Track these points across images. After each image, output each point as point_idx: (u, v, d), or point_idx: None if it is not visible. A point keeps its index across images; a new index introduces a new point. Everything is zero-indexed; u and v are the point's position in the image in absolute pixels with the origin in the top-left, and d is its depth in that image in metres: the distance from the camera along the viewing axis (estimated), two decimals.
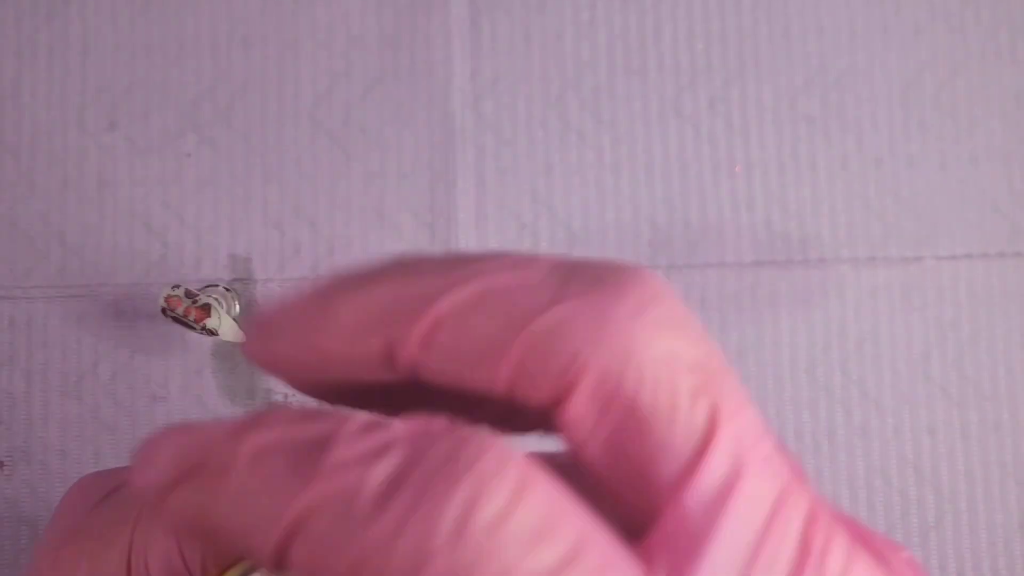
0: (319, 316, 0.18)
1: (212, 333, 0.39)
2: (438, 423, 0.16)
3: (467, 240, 0.44)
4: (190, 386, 0.42)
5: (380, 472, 0.15)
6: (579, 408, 0.16)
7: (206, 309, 0.39)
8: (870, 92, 0.45)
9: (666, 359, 0.16)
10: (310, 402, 0.20)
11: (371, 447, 0.16)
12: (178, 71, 0.45)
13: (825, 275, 0.44)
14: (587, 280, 0.16)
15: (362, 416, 0.16)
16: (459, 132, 0.45)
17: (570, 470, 0.17)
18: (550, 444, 0.18)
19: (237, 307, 0.43)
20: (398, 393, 0.18)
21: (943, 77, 0.45)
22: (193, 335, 0.40)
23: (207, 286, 0.42)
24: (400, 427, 0.16)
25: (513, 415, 0.17)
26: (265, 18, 0.45)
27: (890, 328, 0.44)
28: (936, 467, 0.43)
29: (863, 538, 0.17)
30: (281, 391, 0.43)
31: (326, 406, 0.19)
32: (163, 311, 0.40)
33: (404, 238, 0.44)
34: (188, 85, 0.45)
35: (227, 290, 0.42)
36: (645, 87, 0.45)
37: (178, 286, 0.40)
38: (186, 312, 0.39)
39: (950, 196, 0.45)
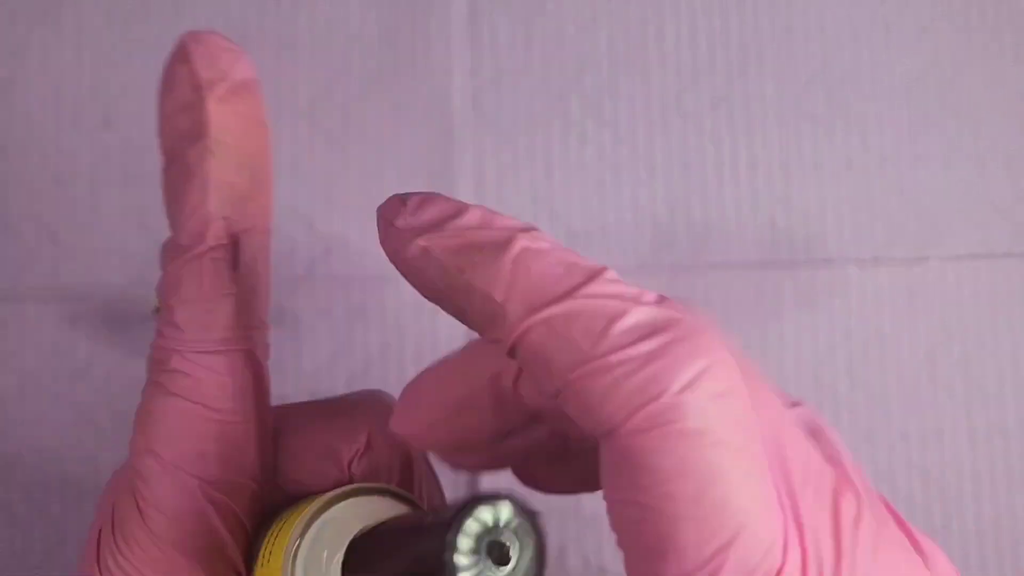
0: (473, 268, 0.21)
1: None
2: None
3: None
4: None
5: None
6: None
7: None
8: (874, 91, 0.45)
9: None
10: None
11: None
12: None
13: (830, 275, 0.44)
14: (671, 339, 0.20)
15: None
16: (458, 131, 0.44)
17: None
18: None
19: None
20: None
21: (948, 76, 0.45)
22: None
23: None
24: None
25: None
26: (262, 16, 0.45)
27: (894, 329, 0.43)
28: (942, 471, 0.43)
29: (903, 526, 0.20)
30: (277, 393, 0.42)
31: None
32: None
33: None
34: None
35: None
36: (647, 86, 0.45)
37: None
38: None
39: (955, 196, 0.44)
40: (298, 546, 0.24)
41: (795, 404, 0.24)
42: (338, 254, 0.43)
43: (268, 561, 0.25)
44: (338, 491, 0.25)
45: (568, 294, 0.20)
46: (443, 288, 0.21)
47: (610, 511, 0.20)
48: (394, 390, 0.42)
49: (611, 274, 0.21)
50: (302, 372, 0.42)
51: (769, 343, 0.43)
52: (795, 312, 0.43)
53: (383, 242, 0.22)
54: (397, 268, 0.22)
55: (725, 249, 0.44)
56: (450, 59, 0.45)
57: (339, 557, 0.24)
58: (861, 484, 0.22)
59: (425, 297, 0.22)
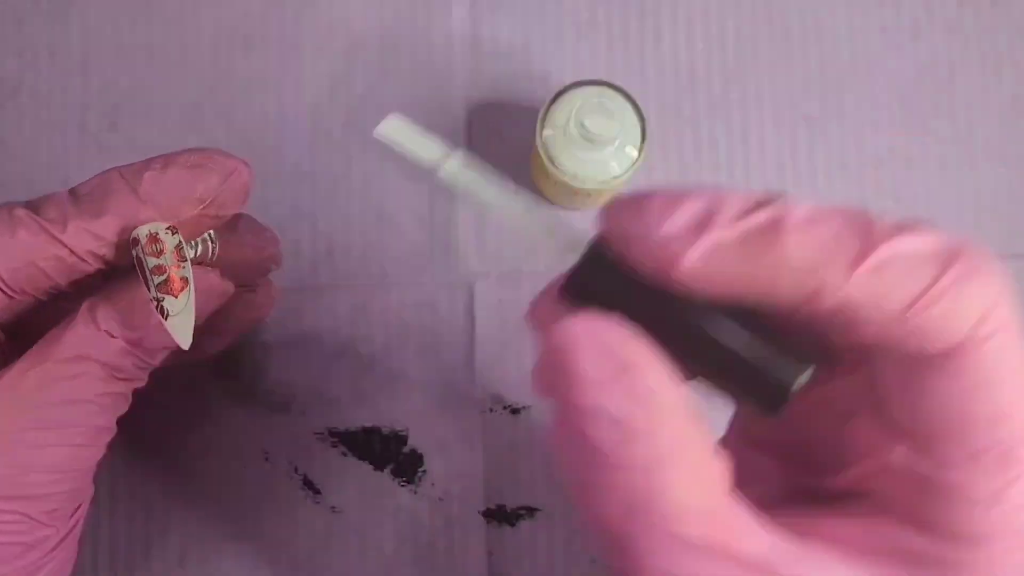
0: (770, 248, 0.21)
1: (162, 313, 0.29)
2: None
3: (467, 240, 0.44)
4: (188, 386, 0.42)
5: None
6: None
7: (182, 284, 0.29)
8: (870, 93, 0.45)
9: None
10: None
11: (897, 224, 0.21)
12: (179, 72, 0.45)
13: None
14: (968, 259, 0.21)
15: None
16: (459, 133, 0.45)
17: None
18: None
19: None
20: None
21: (942, 78, 0.46)
22: None
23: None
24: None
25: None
26: (266, 19, 0.45)
27: None
28: None
29: None
30: (281, 393, 0.43)
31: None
32: (133, 242, 0.29)
33: (404, 239, 0.44)
34: (189, 86, 0.45)
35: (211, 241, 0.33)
36: (645, 89, 0.45)
37: (175, 232, 0.30)
38: (157, 269, 0.29)
39: (949, 197, 0.45)
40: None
41: None
42: (340, 255, 0.44)
43: None
44: None
45: (868, 245, 0.21)
46: (737, 284, 0.21)
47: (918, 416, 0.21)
48: (397, 389, 0.43)
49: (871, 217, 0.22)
50: (306, 371, 0.43)
51: None
52: None
53: (641, 259, 0.21)
54: (668, 280, 0.21)
55: None
56: (451, 62, 0.45)
57: None
58: None
59: (713, 301, 0.21)
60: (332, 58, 0.45)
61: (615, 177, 0.40)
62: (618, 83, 0.44)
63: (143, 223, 0.30)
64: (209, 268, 0.32)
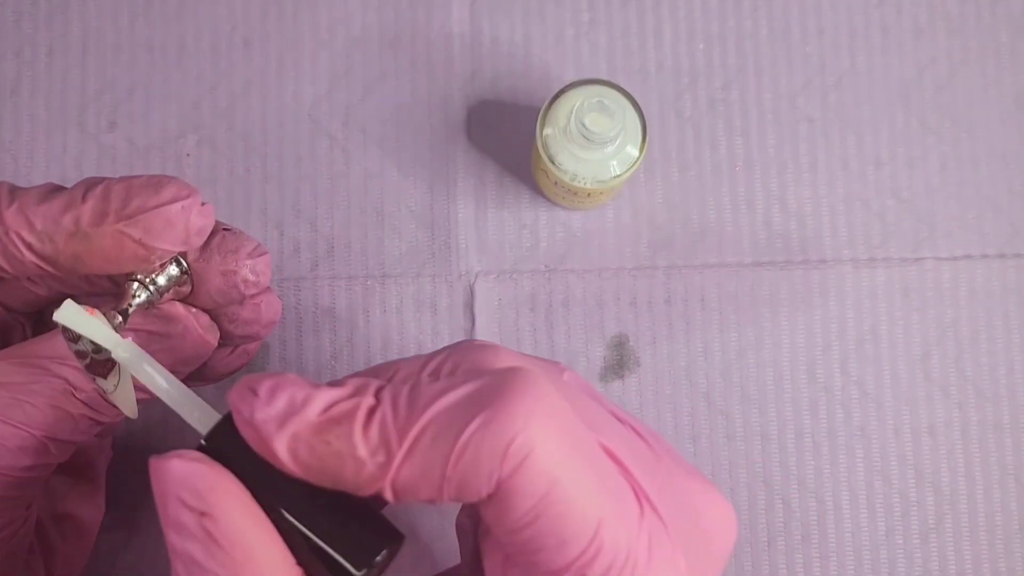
0: (333, 441, 0.23)
1: (101, 391, 0.29)
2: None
3: (467, 239, 0.44)
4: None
5: (466, 389, 0.23)
6: (491, 511, 0.23)
7: (107, 367, 0.28)
8: (870, 92, 0.45)
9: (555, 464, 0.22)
10: None
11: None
12: (178, 71, 0.45)
13: (825, 275, 0.44)
14: (487, 396, 0.23)
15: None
16: (459, 132, 0.45)
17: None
18: None
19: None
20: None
21: (943, 78, 0.46)
22: None
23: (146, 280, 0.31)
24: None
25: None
26: (266, 18, 0.45)
27: (890, 328, 0.44)
28: (937, 468, 0.43)
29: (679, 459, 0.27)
30: None
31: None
32: (64, 331, 0.28)
33: (404, 238, 0.44)
34: (188, 85, 0.45)
35: (182, 272, 0.31)
36: (645, 88, 0.45)
37: (91, 315, 0.27)
38: (79, 354, 0.28)
39: (950, 197, 0.45)
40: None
41: (561, 370, 0.27)
42: (340, 253, 0.44)
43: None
44: None
45: (408, 423, 0.23)
46: (316, 470, 0.23)
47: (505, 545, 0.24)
48: None
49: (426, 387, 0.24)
50: (305, 370, 0.43)
51: (765, 342, 0.43)
52: (791, 311, 0.44)
53: (247, 438, 0.24)
54: (268, 457, 0.23)
55: (722, 249, 0.44)
56: (451, 61, 0.45)
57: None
58: (643, 429, 0.26)
59: (299, 475, 0.24)
60: (332, 57, 0.45)
61: (615, 176, 0.40)
62: (618, 82, 0.44)
63: (80, 223, 0.29)
64: (185, 327, 0.31)
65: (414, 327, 0.43)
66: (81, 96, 0.45)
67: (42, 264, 0.30)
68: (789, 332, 0.44)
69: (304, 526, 0.24)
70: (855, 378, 0.43)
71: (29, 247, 0.29)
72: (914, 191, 0.45)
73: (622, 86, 0.40)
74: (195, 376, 0.33)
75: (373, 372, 0.25)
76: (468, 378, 0.23)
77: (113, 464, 0.39)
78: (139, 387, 0.28)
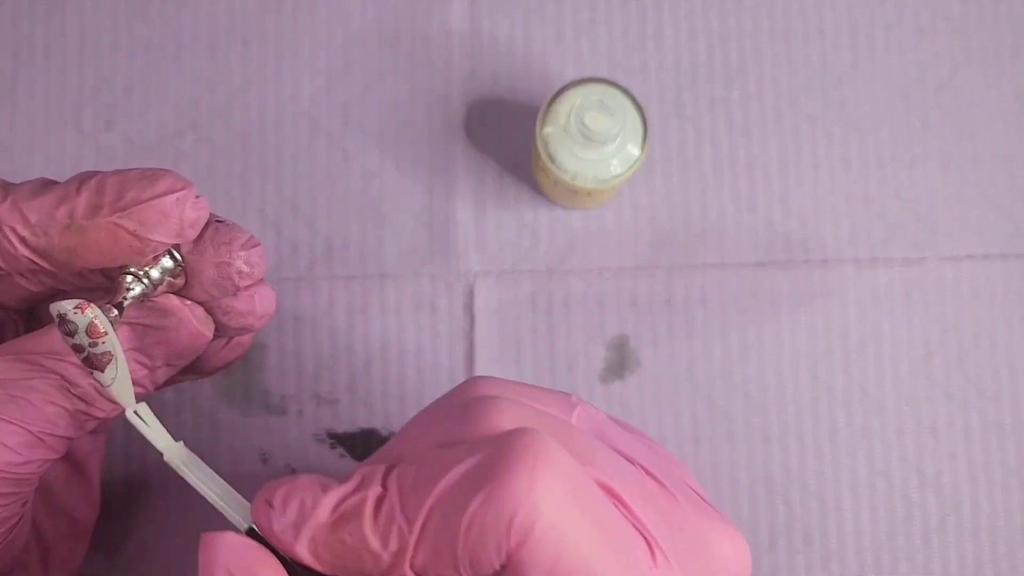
0: (348, 536, 0.24)
1: (95, 385, 0.29)
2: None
3: (467, 239, 0.44)
4: (184, 389, 0.42)
5: (469, 463, 0.23)
6: None
7: (104, 359, 0.28)
8: (872, 92, 0.45)
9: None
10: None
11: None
12: (176, 70, 0.45)
13: (827, 275, 0.44)
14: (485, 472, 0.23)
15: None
16: (458, 131, 0.44)
17: None
18: None
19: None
20: None
21: (945, 77, 0.45)
22: None
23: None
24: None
25: None
26: (264, 17, 0.45)
27: (892, 329, 0.44)
28: (939, 469, 0.43)
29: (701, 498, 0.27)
30: (279, 394, 0.43)
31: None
32: (61, 319, 0.28)
33: (403, 238, 0.44)
34: (186, 84, 0.45)
35: (176, 264, 0.31)
36: (646, 87, 0.45)
37: (82, 311, 0.28)
38: (76, 348, 0.28)
39: (952, 196, 0.45)
40: None
41: (572, 404, 0.27)
42: (339, 253, 0.44)
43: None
44: None
45: (417, 510, 0.23)
46: (340, 562, 0.24)
47: None
48: (394, 389, 0.42)
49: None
50: (303, 371, 0.42)
51: (766, 342, 0.43)
52: (792, 311, 0.44)
53: (274, 545, 0.25)
54: (296, 561, 0.25)
55: (723, 249, 0.44)
56: (450, 59, 0.45)
57: None
58: (656, 463, 0.27)
59: (329, 573, 0.25)
60: (330, 55, 0.45)
61: (616, 176, 0.40)
62: (619, 80, 0.44)
63: (73, 215, 0.29)
64: (181, 317, 0.31)
65: (413, 327, 0.43)
66: (79, 95, 0.44)
67: (36, 259, 0.30)
68: (790, 332, 0.43)
69: None
70: (857, 379, 0.43)
71: (23, 241, 0.29)
72: (916, 191, 0.45)
73: (623, 85, 0.40)
74: (189, 369, 0.33)
75: (382, 456, 0.26)
76: (470, 450, 0.24)
77: (107, 462, 0.39)
78: (137, 381, 0.29)
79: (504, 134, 0.44)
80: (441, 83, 0.45)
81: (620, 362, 0.43)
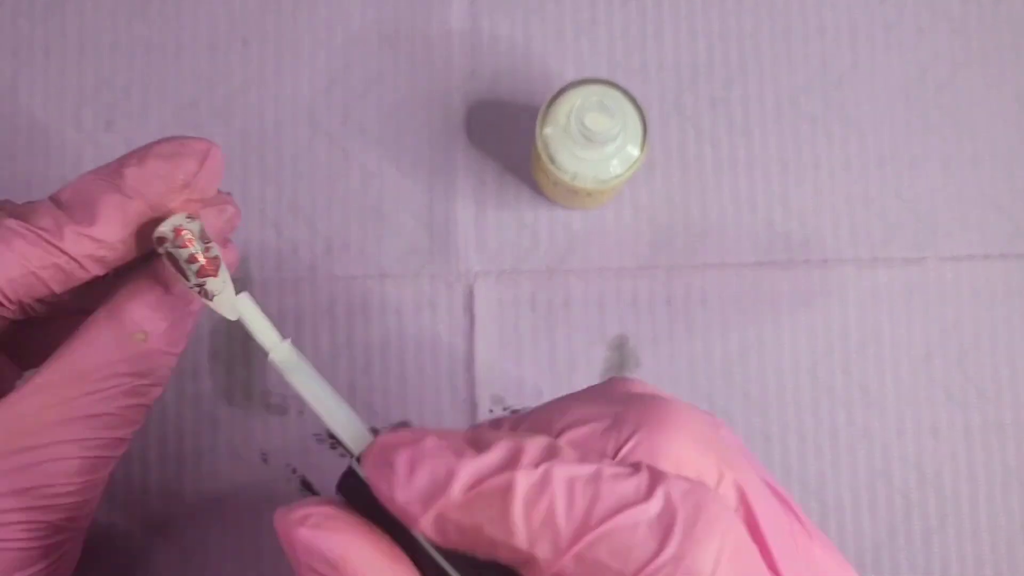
0: (492, 520, 0.22)
1: (206, 296, 0.30)
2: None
3: (467, 239, 0.44)
4: (185, 389, 0.42)
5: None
6: None
7: (216, 263, 0.30)
8: (872, 92, 0.45)
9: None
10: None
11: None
12: (176, 70, 0.45)
13: (827, 275, 0.44)
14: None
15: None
16: (458, 131, 0.44)
17: None
18: None
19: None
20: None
21: (945, 77, 0.45)
22: None
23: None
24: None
25: None
26: (264, 17, 0.45)
27: (892, 329, 0.44)
28: (939, 469, 0.43)
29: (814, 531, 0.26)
30: (279, 393, 0.43)
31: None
32: (160, 240, 0.30)
33: (403, 238, 0.44)
34: (186, 84, 0.45)
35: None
36: (646, 86, 0.45)
37: (194, 218, 0.30)
38: (192, 258, 0.30)
39: (952, 196, 0.45)
40: None
41: (718, 425, 0.26)
42: (339, 253, 0.44)
43: None
44: None
45: (585, 526, 0.21)
46: (465, 544, 0.22)
47: None
48: (395, 388, 0.43)
49: (589, 468, 0.22)
50: None
51: (767, 342, 0.43)
52: (793, 311, 0.44)
53: (393, 510, 0.23)
54: (416, 533, 0.23)
55: (723, 249, 0.44)
56: (450, 59, 0.45)
57: None
58: (802, 516, 0.26)
59: (459, 552, 0.23)
60: (330, 55, 0.45)
61: (616, 176, 0.40)
62: (619, 80, 0.44)
63: (135, 220, 0.30)
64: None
65: (413, 327, 0.43)
66: (78, 95, 0.44)
67: (104, 270, 0.31)
68: (791, 332, 0.43)
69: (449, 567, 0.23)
70: (857, 379, 0.43)
71: (100, 262, 0.30)
72: (916, 191, 0.45)
73: (622, 85, 0.40)
74: None
75: (528, 423, 0.24)
76: (652, 488, 0.22)
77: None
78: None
79: (504, 134, 0.44)
80: (441, 83, 0.45)
81: (620, 362, 0.43)
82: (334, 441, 0.42)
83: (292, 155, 0.44)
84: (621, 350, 0.43)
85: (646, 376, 0.43)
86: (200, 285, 0.30)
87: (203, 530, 0.41)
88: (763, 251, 0.44)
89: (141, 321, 0.30)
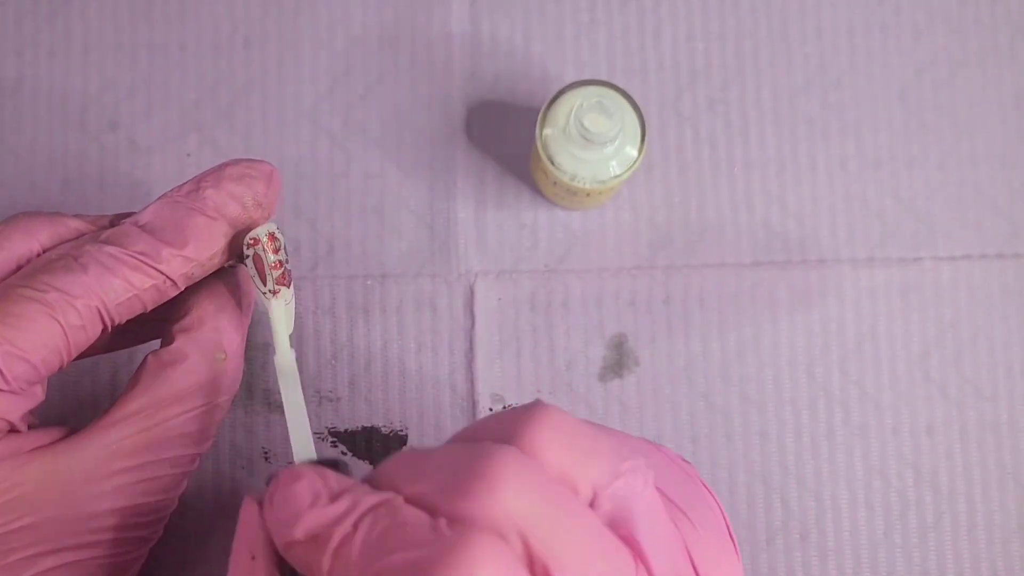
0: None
1: (283, 299, 0.33)
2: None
3: (467, 239, 0.44)
4: None
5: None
6: None
7: (291, 274, 0.33)
8: (869, 93, 0.45)
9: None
10: None
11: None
12: (180, 71, 0.45)
13: (824, 275, 0.44)
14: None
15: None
16: (459, 132, 0.45)
17: None
18: None
19: None
20: None
21: (942, 77, 0.46)
22: None
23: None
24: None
25: None
26: (266, 18, 0.45)
27: (889, 328, 0.44)
28: (935, 468, 0.43)
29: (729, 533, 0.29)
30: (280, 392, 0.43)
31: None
32: (250, 244, 0.33)
33: (404, 238, 0.44)
34: (189, 85, 0.45)
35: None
36: (645, 87, 0.45)
37: (279, 229, 0.33)
38: (277, 264, 0.33)
39: (949, 197, 0.45)
40: None
41: (623, 469, 0.26)
42: (340, 253, 0.44)
43: None
44: None
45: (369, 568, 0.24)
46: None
47: None
48: (395, 387, 0.43)
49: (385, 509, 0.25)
50: (305, 371, 0.43)
51: (764, 341, 0.44)
52: (790, 311, 0.44)
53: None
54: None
55: (721, 249, 0.44)
56: (451, 61, 0.45)
57: None
58: (699, 519, 0.28)
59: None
60: (332, 57, 0.45)
61: (615, 176, 0.40)
62: (618, 82, 0.44)
63: (222, 238, 0.33)
64: None
65: (414, 327, 0.43)
66: (82, 96, 0.45)
67: (190, 283, 0.33)
68: (788, 332, 0.44)
69: None
70: (854, 378, 0.43)
71: (190, 278, 0.33)
72: (913, 191, 0.45)
73: (621, 86, 0.41)
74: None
75: (381, 476, 0.26)
76: (438, 532, 0.23)
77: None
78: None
79: (504, 135, 0.45)
80: (441, 85, 0.45)
81: (619, 361, 0.43)
82: (335, 439, 0.43)
83: (294, 156, 0.44)
84: (620, 349, 0.43)
85: (644, 375, 0.43)
86: (274, 291, 0.33)
87: (204, 529, 0.42)
88: (761, 251, 0.44)
89: (221, 341, 0.33)
